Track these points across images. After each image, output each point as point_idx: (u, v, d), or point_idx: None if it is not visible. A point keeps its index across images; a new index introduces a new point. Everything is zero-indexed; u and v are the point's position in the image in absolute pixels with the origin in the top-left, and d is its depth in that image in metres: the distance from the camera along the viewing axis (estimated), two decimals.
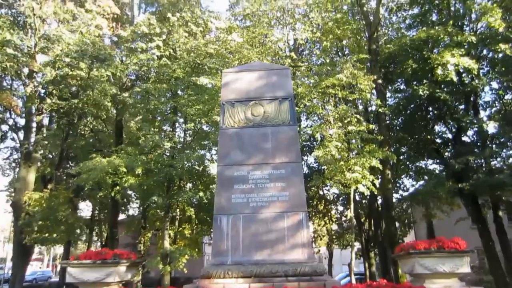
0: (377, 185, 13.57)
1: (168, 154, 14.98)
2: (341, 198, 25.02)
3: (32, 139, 16.86)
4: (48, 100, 16.94)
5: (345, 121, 13.00)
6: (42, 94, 16.78)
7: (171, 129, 17.00)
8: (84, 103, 17.02)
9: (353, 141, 12.20)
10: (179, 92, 16.65)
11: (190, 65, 15.08)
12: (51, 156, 24.68)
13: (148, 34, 15.79)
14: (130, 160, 12.86)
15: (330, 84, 12.17)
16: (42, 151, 22.43)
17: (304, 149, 15.19)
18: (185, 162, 15.37)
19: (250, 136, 7.53)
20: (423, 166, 22.47)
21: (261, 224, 6.77)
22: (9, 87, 16.12)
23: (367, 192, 13.32)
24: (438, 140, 17.35)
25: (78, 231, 20.90)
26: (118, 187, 13.09)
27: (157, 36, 15.59)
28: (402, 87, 18.75)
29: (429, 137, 16.21)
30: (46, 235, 14.98)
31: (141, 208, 19.98)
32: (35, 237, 14.83)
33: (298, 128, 11.89)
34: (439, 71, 12.27)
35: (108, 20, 15.42)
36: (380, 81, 16.06)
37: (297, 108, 11.79)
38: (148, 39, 15.95)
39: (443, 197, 19.31)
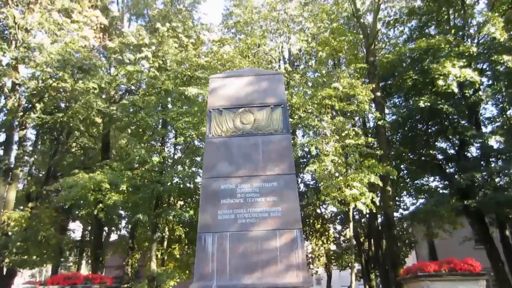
0: (377, 203, 12.94)
1: (156, 169, 14.33)
2: (339, 217, 24.37)
3: (13, 155, 16.20)
4: (32, 114, 16.39)
5: (342, 134, 12.50)
6: (25, 108, 16.20)
7: (160, 144, 16.40)
8: (70, 117, 16.46)
9: (351, 156, 11.60)
10: (169, 105, 16.19)
11: (180, 76, 14.66)
12: (37, 174, 23.96)
13: (137, 45, 15.42)
14: (114, 176, 12.19)
15: (326, 95, 11.71)
16: (24, 168, 21.77)
17: (301, 165, 14.61)
18: (175, 179, 14.75)
19: (239, 146, 6.96)
20: (424, 183, 22.04)
21: (251, 243, 6.11)
22: None
23: (366, 210, 12.69)
24: (440, 156, 16.87)
25: (66, 253, 19.96)
26: (101, 205, 12.35)
27: (146, 47, 15.22)
28: (401, 101, 18.45)
29: (431, 152, 15.68)
30: (25, 257, 14.06)
31: (129, 227, 19.14)
32: (13, 259, 13.93)
33: (292, 141, 11.33)
34: (440, 82, 11.89)
35: (95, 31, 15.03)
36: (378, 93, 15.70)
37: (291, 120, 11.28)
38: (137, 50, 15.59)
39: (445, 216, 18.80)
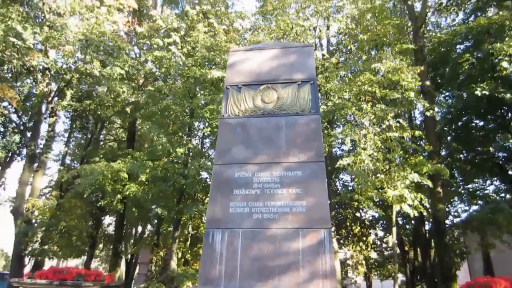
0: (427, 205, 11.40)
1: (180, 161, 13.68)
2: (380, 222, 22.66)
3: (42, 142, 16.30)
4: (65, 102, 16.39)
5: (383, 126, 11.11)
6: (54, 94, 16.22)
7: (186, 134, 15.79)
8: (97, 105, 16.31)
9: (393, 151, 10.22)
10: (198, 94, 15.52)
11: (208, 63, 13.93)
12: (71, 165, 24.41)
13: (166, 31, 14.90)
14: (133, 165, 11.65)
15: (366, 80, 10.41)
16: (57, 158, 22.16)
17: (335, 160, 13.32)
18: (200, 172, 14.05)
19: (259, 128, 5.99)
20: (480, 186, 19.85)
21: (267, 243, 5.13)
22: (9, 78, 15.54)
23: (413, 214, 11.21)
24: (500, 154, 14.87)
25: (100, 246, 19.81)
26: (119, 196, 11.85)
27: (174, 32, 14.65)
28: (453, 94, 16.58)
29: (490, 149, 13.78)
30: (46, 247, 13.97)
31: (154, 222, 18.81)
32: (34, 248, 13.89)
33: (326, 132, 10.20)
34: (504, 64, 10.14)
35: (126, 15, 14.66)
36: (428, 82, 14.07)
37: (324, 107, 10.08)
38: (166, 36, 15.07)
39: (504, 225, 16.75)
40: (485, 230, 17.01)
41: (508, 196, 13.98)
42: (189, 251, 15.62)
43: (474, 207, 19.89)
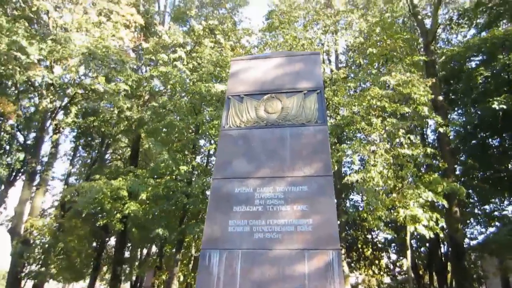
0: (444, 226, 10.75)
1: (183, 179, 13.28)
2: (393, 244, 21.79)
3: (44, 159, 16.08)
4: (69, 119, 16.28)
5: (394, 143, 10.63)
6: (57, 110, 16.11)
7: (191, 152, 15.45)
8: (101, 121, 16.15)
9: (405, 168, 9.70)
10: (203, 111, 15.26)
11: (214, 77, 13.73)
12: (75, 184, 24.19)
13: (172, 46, 14.84)
14: (134, 183, 11.28)
15: (375, 95, 10.02)
16: (61, 177, 21.94)
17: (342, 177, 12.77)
18: (205, 190, 13.62)
19: (262, 140, 5.61)
20: (498, 207, 19.02)
21: (270, 266, 4.66)
22: (11, 94, 15.42)
23: (429, 235, 10.55)
24: None
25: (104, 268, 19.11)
26: (118, 215, 11.43)
27: (180, 47, 14.56)
28: (467, 110, 16.08)
29: (509, 165, 13.13)
30: (43, 269, 13.48)
31: (158, 244, 18.27)
32: (31, 270, 13.42)
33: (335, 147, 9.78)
34: None
35: (132, 31, 14.65)
36: (440, 97, 13.62)
37: (332, 121, 9.67)
38: (172, 51, 15.00)
39: None
40: (503, 253, 16.15)
41: None
42: (192, 275, 14.96)
43: (491, 229, 19.04)
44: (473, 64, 13.34)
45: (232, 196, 5.21)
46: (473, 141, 14.24)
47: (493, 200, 17.96)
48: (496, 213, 19.35)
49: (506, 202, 18.54)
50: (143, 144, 17.56)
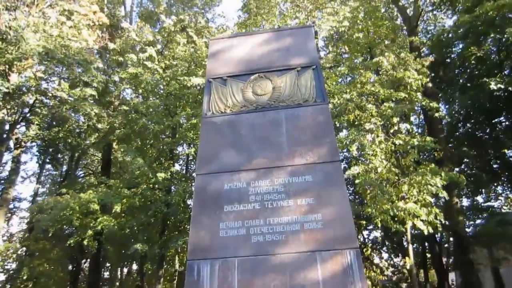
0: (442, 220, 10.21)
1: (161, 187, 12.31)
2: (386, 243, 21.33)
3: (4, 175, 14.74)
4: (31, 131, 15.04)
5: (391, 130, 10.07)
6: (17, 121, 14.81)
7: (168, 158, 14.47)
8: (66, 132, 14.97)
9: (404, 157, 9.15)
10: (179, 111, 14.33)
11: (188, 75, 12.86)
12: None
13: (140, 43, 13.90)
14: (106, 195, 10.25)
15: (367, 80, 9.45)
16: (28, 198, 20.39)
17: None
18: (186, 198, 12.68)
19: (252, 125, 4.85)
20: (489, 197, 18.93)
21: (274, 274, 3.89)
22: None
23: (428, 230, 9.99)
24: None
25: None
26: (90, 232, 10.34)
27: (150, 45, 13.65)
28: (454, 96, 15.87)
29: (505, 153, 12.84)
30: None
31: (137, 261, 17.08)
32: None
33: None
34: None
35: (93, 29, 13.61)
36: (430, 84, 13.23)
37: None
38: (141, 51, 14.05)
39: None
40: (493, 244, 15.99)
41: None
42: None
43: (478, 221, 18.98)
44: (461, 47, 12.99)
45: (222, 194, 4.41)
46: (466, 128, 13.92)
47: (484, 190, 17.82)
48: (487, 203, 19.29)
49: (499, 189, 18.45)
50: (115, 153, 16.45)
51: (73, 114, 15.14)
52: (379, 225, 9.18)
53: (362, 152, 8.60)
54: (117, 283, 22.22)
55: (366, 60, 12.49)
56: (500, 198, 20.00)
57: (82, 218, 10.29)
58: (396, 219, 10.17)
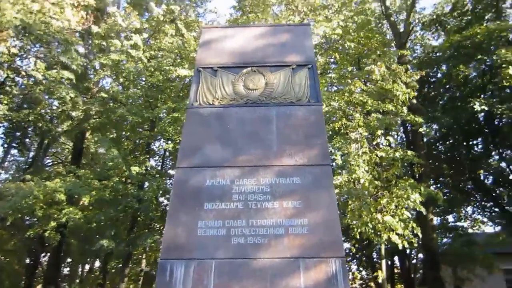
0: (419, 235, 10.26)
1: (134, 182, 11.84)
2: (357, 255, 21.50)
3: None
4: None
5: (374, 143, 10.05)
6: None
7: (144, 152, 14.02)
8: (38, 116, 14.25)
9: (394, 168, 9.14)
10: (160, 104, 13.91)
11: (173, 64, 12.48)
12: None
13: (126, 30, 13.43)
14: (74, 185, 9.72)
15: (356, 88, 9.41)
16: None
17: None
18: (159, 196, 12.27)
19: (241, 120, 4.62)
20: (461, 216, 19.36)
21: (254, 280, 3.66)
22: None
23: (403, 245, 10.01)
24: (488, 180, 14.31)
25: None
26: (53, 223, 9.76)
27: (137, 33, 13.20)
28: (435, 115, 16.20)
29: (480, 174, 13.12)
30: None
31: (101, 257, 16.39)
32: None
33: None
34: (510, 71, 9.46)
35: (77, 8, 12.97)
36: (414, 101, 13.40)
37: None
38: (126, 38, 13.58)
39: (479, 258, 16.22)
40: (457, 263, 16.37)
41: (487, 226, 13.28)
42: None
43: (445, 240, 19.45)
44: (447, 68, 13.24)
45: (203, 190, 4.13)
46: (445, 146, 14.17)
47: (455, 209, 18.22)
48: (457, 223, 19.78)
49: (469, 210, 18.91)
50: (87, 143, 15.79)
51: (46, 97, 14.42)
52: (358, 237, 9.07)
53: (344, 163, 8.50)
54: (77, 280, 21.31)
55: (354, 71, 12.55)
56: (469, 218, 20.55)
57: (46, 208, 9.70)
58: (374, 231, 10.15)
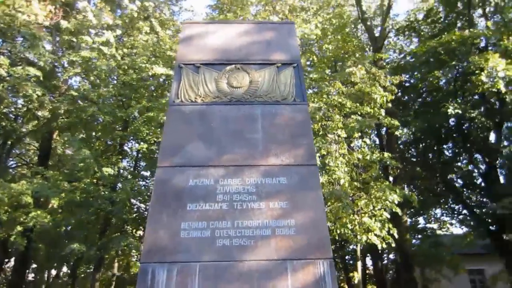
0: (395, 235, 10.46)
1: (106, 184, 11.44)
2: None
3: None
4: None
5: (352, 145, 10.18)
6: None
7: (116, 153, 13.57)
8: (0, 115, 13.51)
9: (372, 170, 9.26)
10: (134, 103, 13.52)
11: (148, 67, 12.17)
12: None
13: (97, 27, 12.98)
14: (42, 187, 9.25)
15: (335, 89, 9.49)
16: None
17: None
18: (132, 198, 11.91)
19: (224, 119, 4.50)
20: (430, 218, 19.95)
21: (240, 283, 3.59)
22: None
23: (382, 245, 10.18)
24: (460, 181, 14.81)
25: None
26: (19, 228, 9.24)
27: (109, 30, 12.79)
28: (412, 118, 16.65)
29: (452, 176, 13.55)
30: None
31: (70, 263, 15.72)
32: None
33: None
34: (483, 77, 9.81)
35: (46, 3, 12.40)
36: (389, 104, 13.70)
37: None
38: (97, 34, 13.13)
39: (445, 259, 16.83)
40: (426, 264, 16.88)
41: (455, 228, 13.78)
42: None
43: (414, 241, 20.03)
44: (420, 73, 13.62)
45: (185, 190, 3.98)
46: (417, 150, 14.55)
47: (426, 211, 18.77)
48: (427, 225, 20.40)
49: (438, 212, 19.53)
50: (55, 144, 15.12)
51: (10, 95, 13.70)
52: (336, 238, 9.12)
53: (325, 162, 8.52)
54: (43, 286, 20.36)
55: (330, 74, 12.69)
56: (439, 221, 21.22)
57: (11, 211, 9.17)
58: (353, 232, 10.25)
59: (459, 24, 13.19)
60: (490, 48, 11.09)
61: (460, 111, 10.57)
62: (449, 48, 11.07)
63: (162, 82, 13.57)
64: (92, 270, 12.07)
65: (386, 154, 10.40)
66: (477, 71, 9.98)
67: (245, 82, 4.79)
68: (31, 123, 16.11)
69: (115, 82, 14.06)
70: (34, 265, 20.25)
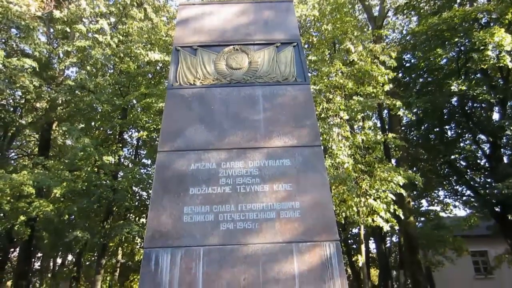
0: (401, 217, 10.44)
1: (108, 172, 11.40)
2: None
3: None
4: None
5: (355, 126, 10.08)
6: None
7: (116, 141, 13.49)
8: None
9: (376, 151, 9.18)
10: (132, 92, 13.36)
11: (144, 54, 11.97)
12: None
13: (91, 16, 12.75)
14: (44, 177, 9.20)
15: (335, 70, 9.32)
16: None
17: None
18: (132, 183, 11.88)
19: (225, 101, 4.40)
20: (434, 200, 19.93)
21: (245, 267, 3.50)
22: None
23: (386, 228, 10.16)
24: (462, 162, 14.72)
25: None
26: (22, 217, 9.24)
27: (102, 18, 12.56)
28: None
29: (456, 156, 13.45)
30: None
31: (74, 250, 15.81)
32: None
33: None
34: (489, 52, 9.59)
35: None
36: (390, 85, 13.53)
37: None
38: (91, 23, 12.91)
39: (448, 241, 16.85)
40: (429, 246, 16.90)
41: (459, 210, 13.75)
42: (119, 285, 13.01)
43: (418, 224, 20.04)
44: (424, 50, 13.36)
45: (187, 175, 3.91)
46: (420, 131, 14.42)
47: (429, 193, 18.72)
48: (430, 207, 20.39)
49: (441, 194, 19.50)
50: (55, 135, 15.04)
51: (7, 87, 13.56)
52: (343, 222, 9.11)
53: (329, 145, 8.44)
54: (49, 275, 20.57)
55: (331, 54, 12.48)
56: (442, 203, 21.21)
57: (13, 202, 9.15)
58: (358, 215, 10.24)
59: (458, 0, 12.92)
60: (492, 24, 10.85)
61: (464, 87, 10.39)
62: (451, 25, 10.83)
63: (159, 69, 13.39)
64: (96, 257, 12.12)
65: (390, 135, 10.30)
66: (482, 47, 9.78)
67: (244, 63, 4.68)
68: (30, 115, 16.02)
69: (111, 71, 13.91)
70: (40, 254, 20.45)
